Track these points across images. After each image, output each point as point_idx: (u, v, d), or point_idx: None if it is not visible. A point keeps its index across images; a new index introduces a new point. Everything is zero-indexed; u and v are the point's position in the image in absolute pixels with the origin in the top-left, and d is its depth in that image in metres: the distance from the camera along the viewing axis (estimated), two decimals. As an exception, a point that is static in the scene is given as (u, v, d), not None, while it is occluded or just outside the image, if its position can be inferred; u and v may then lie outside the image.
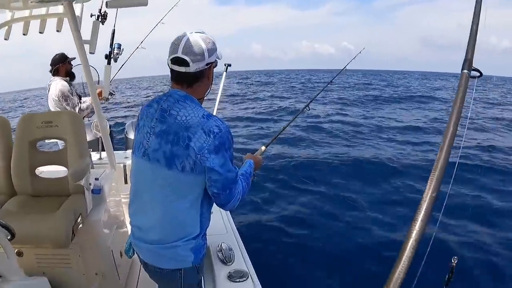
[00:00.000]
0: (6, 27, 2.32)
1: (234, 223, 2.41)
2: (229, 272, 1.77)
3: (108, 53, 3.14)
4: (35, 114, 2.32)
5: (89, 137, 3.61)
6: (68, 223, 1.87)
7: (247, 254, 1.98)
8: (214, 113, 3.24)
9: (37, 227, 1.84)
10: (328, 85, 3.32)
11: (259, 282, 1.74)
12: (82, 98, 3.59)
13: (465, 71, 1.12)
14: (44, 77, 3.66)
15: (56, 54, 3.45)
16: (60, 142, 3.05)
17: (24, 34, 2.43)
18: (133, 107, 18.09)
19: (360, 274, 3.48)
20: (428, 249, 0.98)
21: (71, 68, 3.52)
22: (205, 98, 1.44)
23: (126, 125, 5.23)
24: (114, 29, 3.22)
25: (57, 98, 3.32)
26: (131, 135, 4.54)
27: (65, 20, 2.30)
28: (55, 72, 3.42)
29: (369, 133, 10.55)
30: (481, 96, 21.89)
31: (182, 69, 1.29)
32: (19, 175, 2.20)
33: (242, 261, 1.90)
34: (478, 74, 1.13)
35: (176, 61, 1.28)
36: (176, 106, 1.30)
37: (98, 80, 3.36)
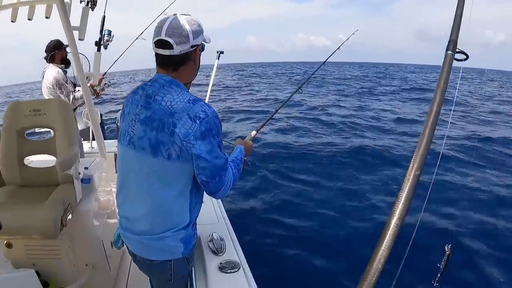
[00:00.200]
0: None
1: (226, 212, 2.38)
2: (220, 263, 1.75)
3: (98, 40, 3.07)
4: (23, 102, 2.27)
5: (81, 126, 3.57)
6: (56, 213, 1.83)
7: (239, 245, 1.96)
8: (206, 101, 3.21)
9: (25, 218, 1.80)
10: (322, 66, 3.24)
11: (251, 273, 1.72)
12: (76, 86, 3.53)
13: (449, 52, 1.09)
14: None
15: (51, 41, 3.36)
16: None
17: (12, 21, 2.37)
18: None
19: (353, 262, 3.48)
20: (413, 234, 0.98)
21: (67, 54, 3.45)
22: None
23: (118, 113, 5.20)
24: (104, 15, 3.15)
25: (51, 86, 3.25)
26: None
27: (54, 6, 2.24)
28: (50, 59, 3.35)
29: (364, 124, 10.58)
30: (477, 89, 22.05)
31: (166, 52, 1.24)
32: (7, 165, 2.16)
33: (234, 252, 1.87)
34: (464, 57, 1.10)
35: (160, 43, 1.24)
36: (161, 91, 1.26)
37: (89, 68, 3.30)
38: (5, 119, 2.18)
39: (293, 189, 5.56)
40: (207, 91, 3.53)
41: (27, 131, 2.25)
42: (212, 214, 2.28)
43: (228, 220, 2.25)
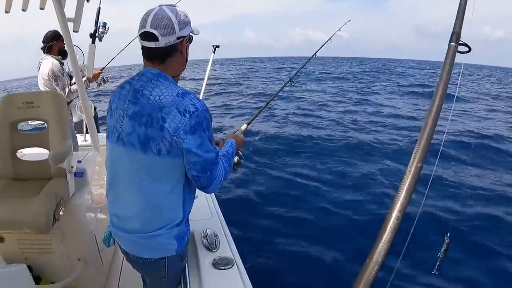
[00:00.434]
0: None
1: (220, 207, 2.36)
2: (214, 259, 1.74)
3: (92, 32, 3.02)
4: (16, 94, 2.24)
5: (75, 119, 3.53)
6: (49, 207, 1.81)
7: (232, 240, 1.94)
8: (201, 96, 3.18)
9: (17, 212, 1.78)
10: (314, 58, 3.23)
11: (244, 270, 1.71)
12: (73, 79, 3.48)
13: (453, 43, 1.09)
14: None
15: (49, 31, 3.31)
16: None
17: (6, 12, 2.32)
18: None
19: (351, 255, 3.49)
20: (414, 224, 0.98)
21: (64, 46, 3.40)
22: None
23: None
24: (100, 7, 3.10)
25: (47, 78, 3.20)
26: None
27: None
28: (48, 49, 3.29)
29: (362, 119, 10.57)
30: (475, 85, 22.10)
31: (151, 44, 1.21)
32: (0, 158, 2.13)
33: (228, 248, 1.86)
34: (467, 49, 1.10)
35: (145, 35, 1.21)
36: (148, 85, 1.23)
37: (84, 60, 3.25)
38: None
39: (290, 183, 5.55)
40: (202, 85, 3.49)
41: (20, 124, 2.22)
42: (206, 210, 2.26)
43: (222, 216, 2.22)
